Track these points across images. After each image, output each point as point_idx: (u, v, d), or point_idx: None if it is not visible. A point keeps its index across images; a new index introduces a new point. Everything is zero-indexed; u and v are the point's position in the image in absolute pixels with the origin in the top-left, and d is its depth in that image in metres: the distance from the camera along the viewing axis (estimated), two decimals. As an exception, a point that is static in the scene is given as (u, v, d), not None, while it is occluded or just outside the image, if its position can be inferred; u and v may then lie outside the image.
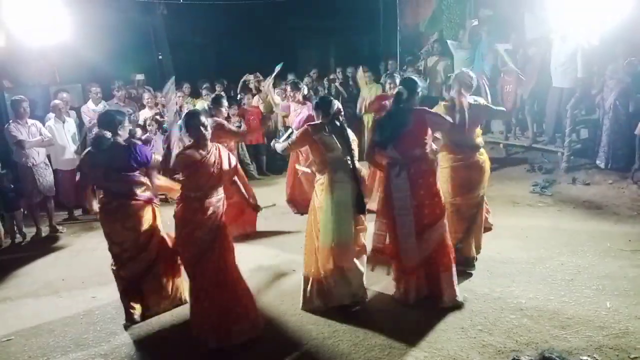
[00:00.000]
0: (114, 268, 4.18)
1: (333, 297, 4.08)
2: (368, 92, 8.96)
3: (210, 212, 3.68)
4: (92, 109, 7.73)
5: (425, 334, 3.74)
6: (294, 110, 6.96)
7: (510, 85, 8.47)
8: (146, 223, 4.13)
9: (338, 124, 4.05)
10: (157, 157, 4.29)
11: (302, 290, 4.18)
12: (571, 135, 7.66)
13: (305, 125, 4.16)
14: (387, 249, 4.25)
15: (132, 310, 4.15)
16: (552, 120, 8.36)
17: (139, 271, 4.13)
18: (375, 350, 3.59)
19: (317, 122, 4.13)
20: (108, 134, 4.04)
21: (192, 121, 3.71)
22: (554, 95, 8.11)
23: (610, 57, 7.06)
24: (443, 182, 4.38)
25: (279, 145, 4.34)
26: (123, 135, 4.19)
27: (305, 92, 6.93)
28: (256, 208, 4.66)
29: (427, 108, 4.12)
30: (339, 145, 3.98)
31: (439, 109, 4.46)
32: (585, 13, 6.52)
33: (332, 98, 4.23)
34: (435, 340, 3.65)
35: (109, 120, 4.14)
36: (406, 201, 3.98)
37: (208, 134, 3.75)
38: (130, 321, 4.14)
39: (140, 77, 9.70)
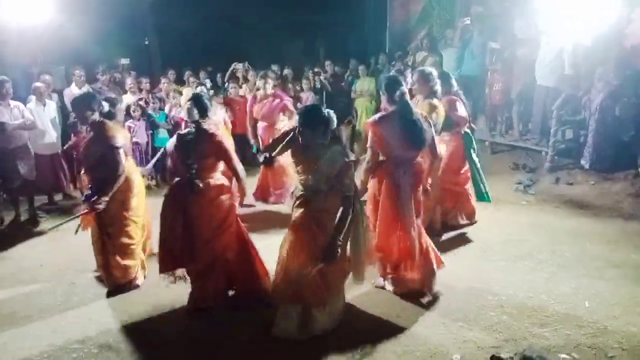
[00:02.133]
0: None
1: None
2: (360, 86, 9.09)
3: None
4: (75, 93, 7.58)
5: (406, 328, 3.75)
6: (259, 102, 6.90)
7: (499, 83, 8.53)
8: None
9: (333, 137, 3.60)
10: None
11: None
12: (556, 135, 7.73)
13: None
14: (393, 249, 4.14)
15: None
16: (539, 119, 8.45)
17: None
18: (355, 343, 3.58)
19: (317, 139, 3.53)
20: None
21: None
22: (539, 94, 8.19)
23: (601, 59, 7.10)
24: None
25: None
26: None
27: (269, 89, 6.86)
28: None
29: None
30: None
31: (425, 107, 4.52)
32: (577, 13, 6.57)
33: (322, 109, 3.59)
34: (416, 335, 3.66)
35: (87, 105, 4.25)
36: (409, 201, 3.99)
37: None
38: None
39: (125, 61, 9.56)
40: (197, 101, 3.92)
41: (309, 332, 3.60)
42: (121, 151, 4.28)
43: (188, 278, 4.07)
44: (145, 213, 4.67)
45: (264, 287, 4.10)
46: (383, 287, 4.30)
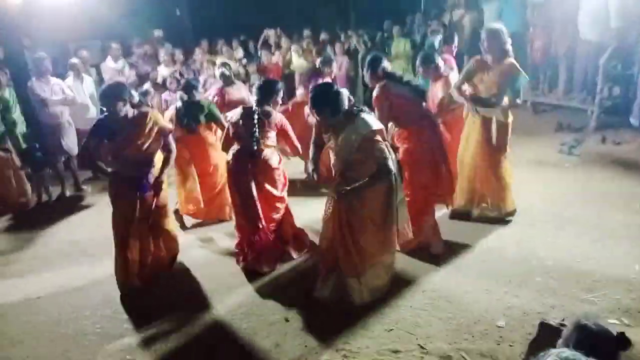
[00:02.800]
0: None
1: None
2: (396, 48, 8.82)
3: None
4: (111, 67, 7.68)
5: (450, 294, 3.73)
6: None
7: (540, 40, 8.16)
8: None
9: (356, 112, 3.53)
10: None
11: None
12: (602, 92, 7.38)
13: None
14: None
15: None
16: (582, 77, 8.09)
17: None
18: (398, 309, 3.60)
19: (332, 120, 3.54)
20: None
21: None
22: (583, 50, 7.81)
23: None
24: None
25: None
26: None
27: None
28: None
29: None
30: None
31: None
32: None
33: (335, 88, 3.56)
34: (460, 301, 3.64)
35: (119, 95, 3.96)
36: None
37: None
38: None
39: (158, 32, 9.56)
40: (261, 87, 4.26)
41: (344, 299, 3.66)
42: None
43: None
44: None
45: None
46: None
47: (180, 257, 4.56)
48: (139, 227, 4.09)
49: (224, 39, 9.49)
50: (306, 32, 9.63)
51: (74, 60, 7.00)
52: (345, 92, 3.54)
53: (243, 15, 12.27)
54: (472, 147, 4.72)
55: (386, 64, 4.26)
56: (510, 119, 4.60)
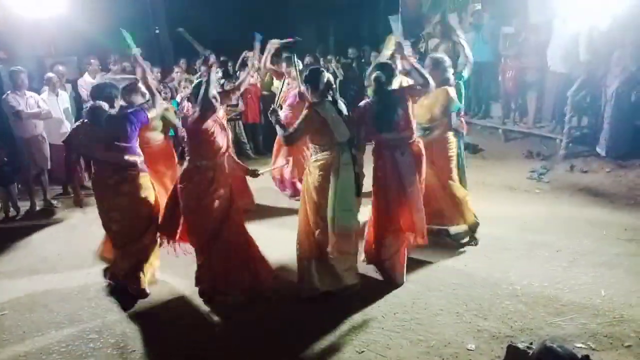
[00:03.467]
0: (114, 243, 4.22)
1: (336, 279, 4.05)
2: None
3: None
4: (89, 82, 7.61)
5: (421, 316, 3.76)
6: (287, 85, 6.87)
7: (512, 70, 8.41)
8: (146, 192, 4.17)
9: (331, 98, 3.92)
10: (152, 112, 4.31)
11: (301, 272, 4.12)
12: (571, 122, 7.62)
13: (307, 104, 3.94)
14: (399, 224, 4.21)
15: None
16: (550, 107, 8.34)
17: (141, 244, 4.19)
18: (370, 330, 3.61)
19: (314, 98, 3.90)
20: (105, 105, 3.99)
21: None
22: (552, 81, 8.08)
23: (618, 43, 6.95)
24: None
25: (284, 135, 3.89)
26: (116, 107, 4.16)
27: (300, 66, 6.80)
28: (253, 174, 4.39)
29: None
30: (342, 121, 3.89)
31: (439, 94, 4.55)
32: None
33: (321, 69, 4.01)
34: (430, 324, 3.66)
35: (105, 93, 4.07)
36: (414, 176, 4.11)
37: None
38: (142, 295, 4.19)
39: (137, 51, 9.53)
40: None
41: (331, 284, 4.01)
42: None
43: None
44: None
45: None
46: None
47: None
48: None
49: (202, 59, 9.51)
50: (284, 55, 9.72)
51: (50, 74, 6.93)
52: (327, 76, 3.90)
53: (223, 36, 12.36)
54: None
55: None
56: (452, 143, 4.78)
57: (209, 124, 3.87)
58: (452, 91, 4.65)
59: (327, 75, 3.89)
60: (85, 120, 4.06)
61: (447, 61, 4.70)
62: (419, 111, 4.55)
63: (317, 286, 4.00)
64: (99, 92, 4.10)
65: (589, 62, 7.29)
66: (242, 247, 4.14)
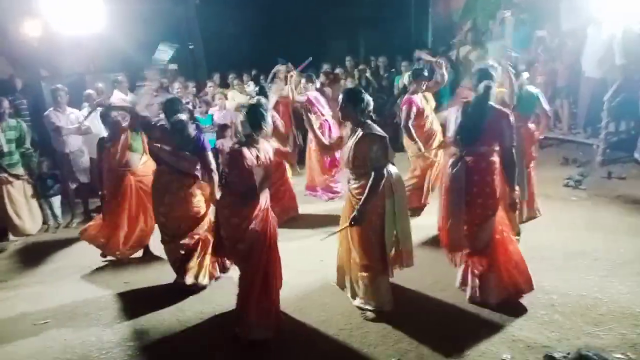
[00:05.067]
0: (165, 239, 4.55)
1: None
2: (403, 81, 9.05)
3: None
4: (120, 98, 7.83)
5: (455, 327, 3.73)
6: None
7: (543, 76, 8.28)
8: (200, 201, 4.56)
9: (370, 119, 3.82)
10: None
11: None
12: (608, 127, 7.44)
13: (358, 129, 3.78)
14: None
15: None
16: (584, 112, 8.17)
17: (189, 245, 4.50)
18: (403, 342, 3.59)
19: (359, 119, 3.78)
20: (186, 119, 4.40)
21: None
22: (586, 86, 7.92)
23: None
24: None
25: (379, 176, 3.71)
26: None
27: (318, 85, 7.04)
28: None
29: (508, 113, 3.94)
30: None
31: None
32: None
33: (360, 89, 4.00)
34: (465, 335, 3.63)
35: (177, 107, 4.57)
36: (461, 193, 3.94)
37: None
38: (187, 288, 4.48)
39: (173, 66, 9.84)
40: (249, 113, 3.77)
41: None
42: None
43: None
44: None
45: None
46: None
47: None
48: None
49: (235, 73, 9.72)
50: (325, 66, 9.88)
51: (90, 91, 7.20)
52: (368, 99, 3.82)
53: (255, 50, 12.59)
54: None
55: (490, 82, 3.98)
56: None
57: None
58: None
59: (367, 97, 3.80)
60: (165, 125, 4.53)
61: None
62: None
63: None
64: (172, 106, 4.56)
65: (625, 66, 7.12)
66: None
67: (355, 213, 3.68)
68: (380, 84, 9.84)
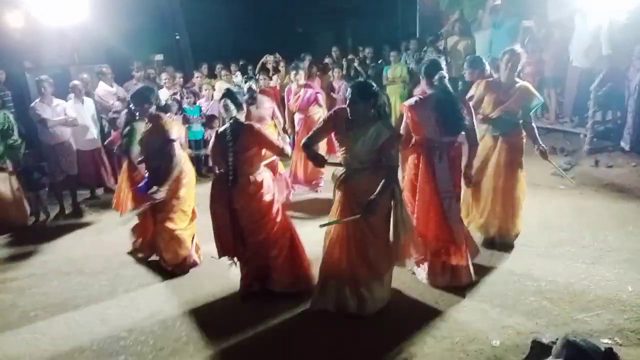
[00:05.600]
0: None
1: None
2: (392, 72, 9.04)
3: None
4: (106, 90, 7.73)
5: (445, 314, 3.76)
6: (294, 94, 7.00)
7: (530, 66, 8.33)
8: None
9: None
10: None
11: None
12: (594, 117, 7.51)
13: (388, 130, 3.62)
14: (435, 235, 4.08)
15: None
16: (571, 102, 8.24)
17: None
18: (394, 327, 3.61)
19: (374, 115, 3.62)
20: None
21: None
22: (573, 76, 7.99)
23: (638, 37, 6.85)
24: None
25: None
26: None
27: (301, 80, 6.97)
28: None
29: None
30: None
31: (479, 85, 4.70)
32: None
33: (371, 82, 3.70)
34: (455, 321, 3.66)
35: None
36: (449, 184, 3.99)
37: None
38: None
39: (159, 57, 9.76)
40: (230, 97, 3.97)
41: (344, 309, 3.74)
42: (176, 144, 4.47)
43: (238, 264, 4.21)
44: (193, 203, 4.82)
45: (306, 280, 4.17)
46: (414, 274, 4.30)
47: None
48: None
49: (222, 64, 9.65)
50: (308, 57, 9.82)
51: (75, 82, 7.10)
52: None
53: (242, 40, 12.52)
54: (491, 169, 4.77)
55: (443, 73, 3.95)
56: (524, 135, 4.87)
57: None
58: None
59: (380, 92, 3.67)
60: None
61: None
62: (489, 109, 4.65)
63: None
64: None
65: (611, 56, 7.19)
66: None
67: (372, 202, 3.49)
68: (367, 74, 9.83)
